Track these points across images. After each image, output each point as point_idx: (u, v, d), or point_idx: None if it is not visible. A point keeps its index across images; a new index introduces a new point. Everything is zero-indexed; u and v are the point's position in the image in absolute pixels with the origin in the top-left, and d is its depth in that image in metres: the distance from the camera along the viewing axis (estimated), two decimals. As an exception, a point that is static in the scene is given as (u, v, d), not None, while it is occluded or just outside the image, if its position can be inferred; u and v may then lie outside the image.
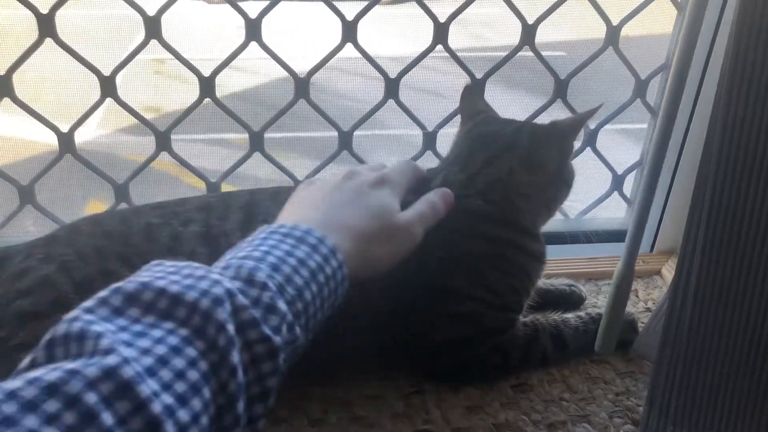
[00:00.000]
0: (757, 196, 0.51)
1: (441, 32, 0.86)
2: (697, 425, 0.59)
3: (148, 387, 0.33)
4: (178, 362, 0.36)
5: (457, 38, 0.87)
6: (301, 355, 0.47)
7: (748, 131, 0.50)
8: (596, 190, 1.01)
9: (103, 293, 0.39)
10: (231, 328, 0.39)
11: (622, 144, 1.19)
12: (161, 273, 0.41)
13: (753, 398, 0.57)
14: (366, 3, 0.84)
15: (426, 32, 0.87)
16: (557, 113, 0.85)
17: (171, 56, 0.82)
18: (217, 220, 0.68)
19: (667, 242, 0.99)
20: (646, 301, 0.90)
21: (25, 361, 0.36)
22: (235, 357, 0.38)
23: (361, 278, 0.53)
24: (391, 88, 0.89)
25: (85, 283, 0.61)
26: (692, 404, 0.59)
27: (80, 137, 0.86)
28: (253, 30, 0.82)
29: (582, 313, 0.79)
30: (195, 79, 0.84)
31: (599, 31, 0.89)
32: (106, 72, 0.82)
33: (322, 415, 0.68)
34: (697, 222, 0.54)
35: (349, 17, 0.84)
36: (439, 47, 0.87)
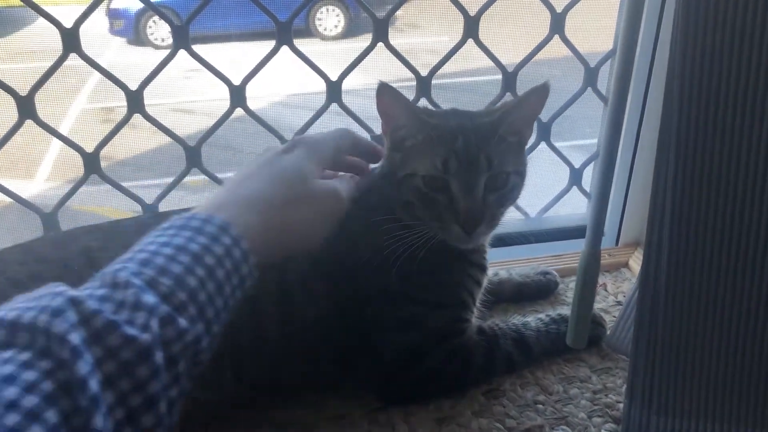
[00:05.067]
0: (721, 182, 0.49)
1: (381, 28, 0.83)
2: (682, 412, 0.56)
3: None
4: (11, 392, 0.33)
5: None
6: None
7: (705, 108, 0.48)
8: (555, 186, 0.98)
9: None
10: (75, 337, 0.35)
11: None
12: (11, 306, 0.38)
13: (731, 380, 0.54)
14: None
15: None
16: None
17: (120, 104, 0.80)
18: None
19: (631, 234, 0.96)
20: (616, 294, 0.86)
21: None
22: (82, 368, 0.35)
23: (283, 251, 0.50)
24: (333, 91, 0.85)
25: None
26: (674, 392, 0.56)
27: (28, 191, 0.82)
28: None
29: (542, 315, 0.75)
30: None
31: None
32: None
33: (279, 441, 0.62)
34: (660, 212, 0.51)
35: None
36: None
